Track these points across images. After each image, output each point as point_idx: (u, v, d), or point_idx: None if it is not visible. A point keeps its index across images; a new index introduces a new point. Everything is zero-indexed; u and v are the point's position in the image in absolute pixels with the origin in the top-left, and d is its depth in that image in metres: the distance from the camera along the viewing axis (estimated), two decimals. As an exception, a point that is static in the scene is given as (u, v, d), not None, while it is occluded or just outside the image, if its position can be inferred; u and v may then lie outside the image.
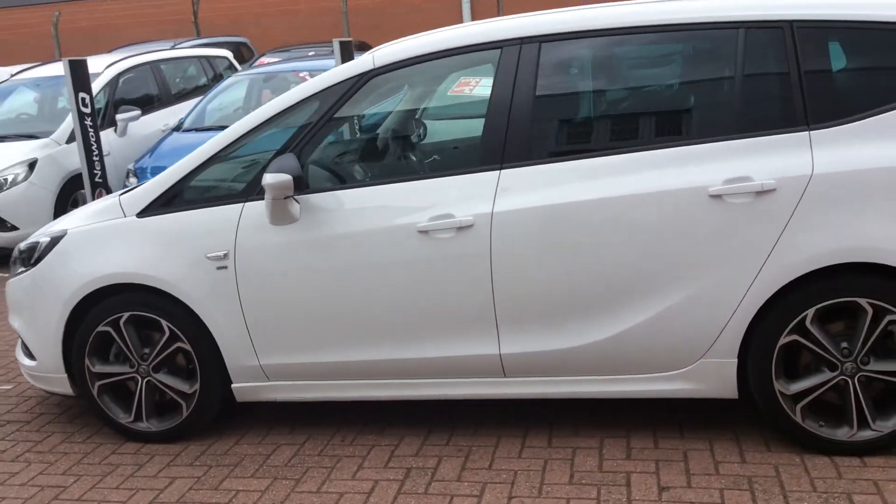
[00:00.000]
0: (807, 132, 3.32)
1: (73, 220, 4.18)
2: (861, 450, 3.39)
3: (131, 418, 4.03)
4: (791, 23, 3.38)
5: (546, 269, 3.49)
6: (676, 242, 3.37)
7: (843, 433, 3.40)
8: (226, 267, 3.78)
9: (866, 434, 3.38)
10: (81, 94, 7.57)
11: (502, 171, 3.54)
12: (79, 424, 4.28)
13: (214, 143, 3.91)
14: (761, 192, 3.29)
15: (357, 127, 3.95)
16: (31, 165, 8.08)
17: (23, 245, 4.25)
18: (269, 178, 3.54)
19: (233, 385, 3.91)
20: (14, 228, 7.88)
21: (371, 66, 3.74)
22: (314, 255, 3.69)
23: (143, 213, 3.94)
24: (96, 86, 8.61)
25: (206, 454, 3.88)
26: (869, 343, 3.30)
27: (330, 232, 3.67)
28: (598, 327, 3.49)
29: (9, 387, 4.89)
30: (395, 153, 4.23)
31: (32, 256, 4.14)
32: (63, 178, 8.24)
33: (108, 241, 3.98)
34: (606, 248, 3.43)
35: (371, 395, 3.82)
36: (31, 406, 4.58)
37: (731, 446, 3.54)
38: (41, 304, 4.08)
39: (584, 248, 3.45)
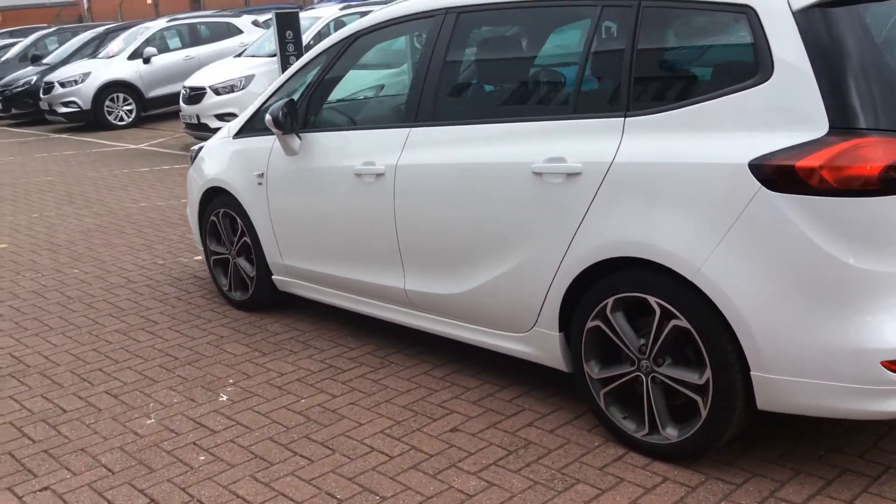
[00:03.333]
0: (622, 118, 3.20)
1: (216, 134, 5.55)
2: (651, 452, 3.28)
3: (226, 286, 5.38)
4: (640, 0, 3.22)
5: (427, 220, 3.90)
6: (510, 212, 3.54)
7: (638, 431, 3.32)
8: (261, 183, 4.83)
9: (655, 438, 3.26)
10: (288, 31, 10.05)
11: (412, 128, 3.98)
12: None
13: (275, 83, 4.91)
14: (571, 175, 3.30)
15: (343, 81, 4.59)
16: (250, 78, 11.54)
17: (194, 147, 5.77)
18: (266, 117, 4.47)
19: (273, 277, 5.00)
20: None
21: (359, 28, 4.38)
22: (301, 182, 4.56)
23: (236, 136, 5.14)
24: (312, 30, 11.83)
25: (250, 324, 5.06)
26: (658, 344, 3.17)
27: (308, 165, 4.49)
28: (461, 279, 3.82)
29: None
30: (358, 105, 4.76)
31: (194, 159, 5.63)
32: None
33: (215, 154, 5.29)
34: (463, 208, 3.72)
35: (347, 306, 4.59)
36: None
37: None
38: (190, 199, 5.59)
39: (450, 206, 3.78)
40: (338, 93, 4.59)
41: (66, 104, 15.68)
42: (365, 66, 4.55)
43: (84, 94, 15.50)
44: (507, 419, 3.65)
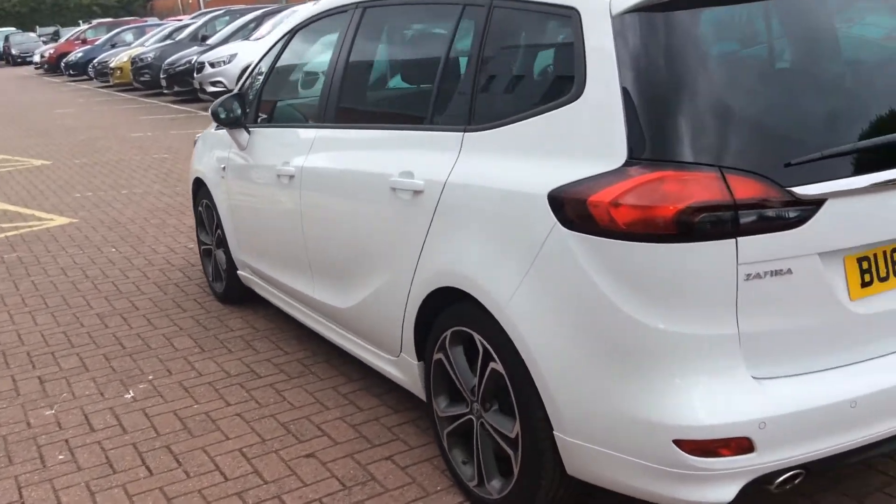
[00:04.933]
0: (462, 133, 2.84)
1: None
2: (483, 506, 2.92)
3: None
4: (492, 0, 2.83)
5: (322, 227, 3.68)
6: (375, 227, 3.26)
7: (471, 480, 2.97)
8: (224, 177, 4.76)
9: (482, 490, 2.90)
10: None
11: (319, 129, 3.75)
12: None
13: (245, 75, 4.81)
14: (416, 192, 2.98)
15: (284, 76, 4.38)
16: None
17: (196, 136, 5.78)
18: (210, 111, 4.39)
19: (237, 271, 4.92)
20: None
21: (297, 23, 4.18)
22: (245, 178, 4.44)
23: (217, 126, 5.09)
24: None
25: (216, 317, 5.02)
26: (482, 387, 2.80)
27: (250, 161, 4.36)
28: (348, 293, 3.57)
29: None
30: (292, 102, 4.49)
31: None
32: None
33: (201, 144, 5.27)
34: (345, 219, 3.47)
35: (283, 308, 4.43)
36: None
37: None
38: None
39: (336, 215, 3.54)
40: (278, 88, 4.43)
41: (213, 83, 16.41)
42: (307, 62, 4.35)
43: (230, 74, 16.15)
44: (371, 448, 3.38)
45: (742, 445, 2.24)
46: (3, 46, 47.54)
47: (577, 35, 2.44)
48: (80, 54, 29.88)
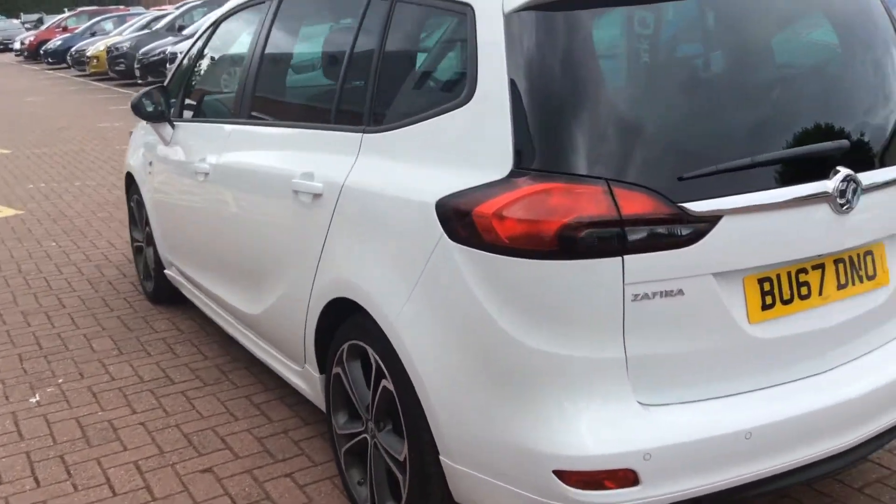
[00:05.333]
0: (361, 134, 2.68)
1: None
2: (376, 531, 2.77)
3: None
4: (396, -8, 2.68)
5: (229, 228, 3.52)
6: (277, 231, 3.10)
7: (365, 502, 2.81)
8: (151, 172, 4.58)
9: (376, 515, 2.75)
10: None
11: (234, 126, 3.59)
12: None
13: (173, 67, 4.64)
14: (315, 195, 2.82)
15: (208, 69, 4.22)
16: None
17: (132, 131, 5.60)
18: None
19: (164, 270, 4.75)
20: None
21: (220, 14, 4.01)
22: (167, 174, 4.27)
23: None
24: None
25: (142, 318, 4.85)
26: (375, 405, 2.65)
27: (172, 156, 4.19)
28: (256, 299, 3.41)
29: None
30: (213, 96, 4.33)
31: (131, 140, 5.47)
32: None
33: (133, 139, 5.11)
34: (250, 220, 3.31)
35: (205, 311, 4.27)
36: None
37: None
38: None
39: (242, 217, 3.38)
40: (202, 81, 4.26)
41: (186, 75, 16.21)
42: (228, 54, 4.18)
43: (202, 65, 15.95)
44: (273, 464, 3.22)
45: (626, 477, 2.09)
46: (-15, 33, 47.04)
47: (471, 34, 2.28)
48: (59, 42, 29.55)
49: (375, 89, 2.65)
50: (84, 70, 24.42)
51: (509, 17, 2.18)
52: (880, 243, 2.46)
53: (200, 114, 4.15)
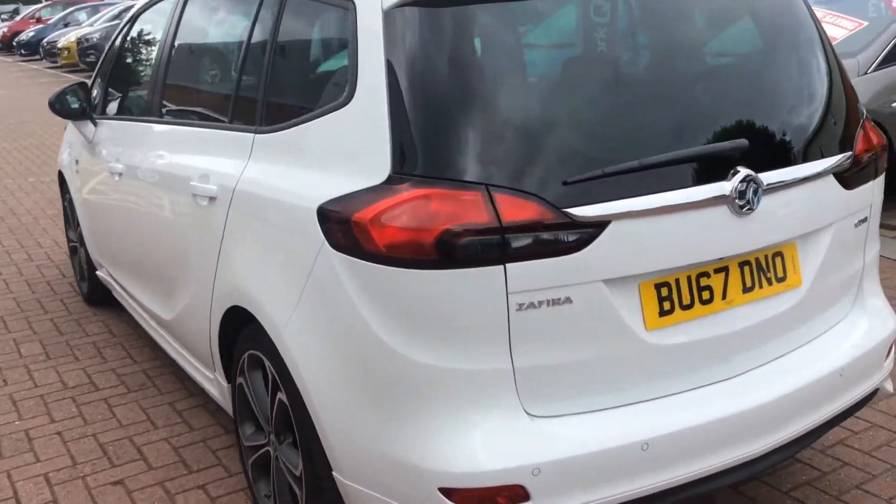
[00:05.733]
0: (253, 135, 2.58)
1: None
2: (282, 544, 2.67)
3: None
4: (288, -15, 2.56)
5: (141, 231, 3.42)
6: (180, 234, 3.00)
7: (271, 515, 2.73)
8: (78, 171, 4.46)
9: (278, 528, 2.65)
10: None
11: (145, 124, 3.48)
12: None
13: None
14: (211, 198, 2.72)
15: (128, 64, 4.10)
16: None
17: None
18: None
19: (96, 272, 4.63)
20: None
21: (139, 6, 3.89)
22: (89, 173, 4.15)
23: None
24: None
25: (76, 321, 4.71)
26: (274, 417, 2.55)
27: (91, 155, 4.07)
28: (167, 305, 3.31)
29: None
30: (131, 93, 4.22)
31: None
32: None
33: (65, 138, 4.96)
34: (156, 224, 3.21)
35: (131, 312, 4.15)
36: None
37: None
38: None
39: (148, 219, 3.28)
40: (120, 77, 4.12)
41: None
42: (143, 49, 4.04)
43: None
44: (187, 475, 3.12)
45: (516, 494, 2.01)
46: (-40, 24, 46.44)
47: (352, 31, 2.18)
48: (31, 33, 29.16)
49: (266, 88, 2.54)
50: (56, 62, 24.10)
51: (389, 13, 2.08)
52: (791, 244, 2.37)
53: (119, 111, 4.02)
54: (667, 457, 2.12)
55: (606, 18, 2.23)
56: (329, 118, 2.21)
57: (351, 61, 2.16)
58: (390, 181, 2.00)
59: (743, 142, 2.17)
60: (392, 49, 2.05)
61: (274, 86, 2.52)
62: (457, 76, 2.00)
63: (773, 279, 2.33)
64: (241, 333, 2.67)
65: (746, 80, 2.30)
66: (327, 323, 2.15)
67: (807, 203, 2.33)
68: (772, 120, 2.29)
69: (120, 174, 3.56)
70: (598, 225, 1.99)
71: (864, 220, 2.55)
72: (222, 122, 2.80)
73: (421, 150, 1.99)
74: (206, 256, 2.77)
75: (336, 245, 2.08)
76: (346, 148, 2.14)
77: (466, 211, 1.92)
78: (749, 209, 2.16)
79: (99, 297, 4.78)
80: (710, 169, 2.14)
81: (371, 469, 2.13)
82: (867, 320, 2.60)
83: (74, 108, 4.02)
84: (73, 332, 4.54)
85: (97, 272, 4.59)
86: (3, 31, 34.39)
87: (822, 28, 2.57)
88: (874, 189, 2.56)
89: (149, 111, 3.41)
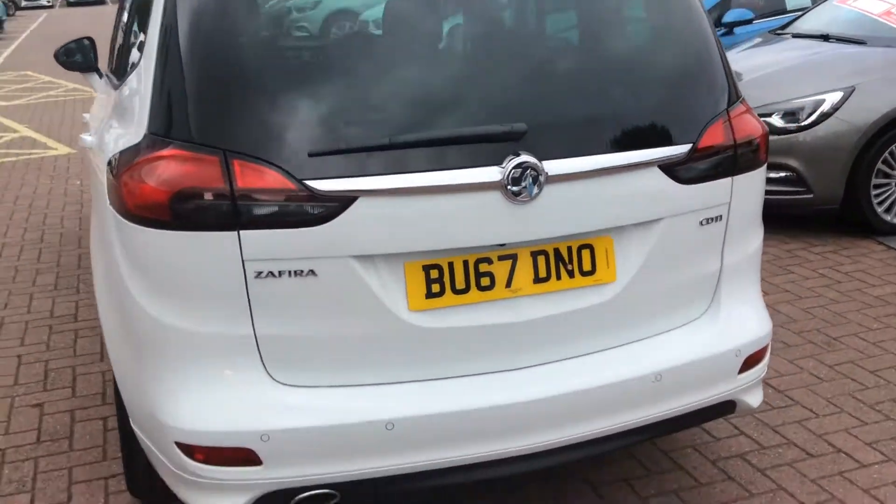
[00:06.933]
0: (116, 89, 2.71)
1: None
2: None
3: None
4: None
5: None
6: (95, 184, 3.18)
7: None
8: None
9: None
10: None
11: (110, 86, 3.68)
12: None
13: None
14: (91, 149, 2.87)
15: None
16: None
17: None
18: None
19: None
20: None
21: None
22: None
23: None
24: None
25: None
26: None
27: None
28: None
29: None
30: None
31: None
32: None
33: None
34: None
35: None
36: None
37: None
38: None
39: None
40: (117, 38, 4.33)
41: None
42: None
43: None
44: (99, 406, 3.34)
45: (247, 457, 2.05)
46: None
47: None
48: None
49: (120, 48, 2.67)
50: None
51: (174, -19, 2.13)
52: (605, 237, 2.24)
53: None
54: (416, 440, 2.09)
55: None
56: (131, 77, 2.31)
57: (151, 20, 2.23)
58: (143, 141, 2.06)
59: (521, 126, 2.07)
60: (169, 16, 2.11)
61: (123, 46, 2.63)
62: (213, 45, 2.04)
63: (577, 272, 2.22)
64: None
65: (552, 63, 2.19)
66: (110, 277, 2.26)
67: (620, 196, 2.20)
68: (572, 107, 2.17)
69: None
70: (343, 200, 1.98)
71: (717, 218, 2.36)
72: (118, 78, 2.95)
73: (172, 112, 2.04)
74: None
75: (110, 202, 2.17)
76: (131, 106, 2.24)
77: (200, 174, 1.96)
78: (525, 196, 2.06)
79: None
80: (486, 153, 2.06)
81: (142, 419, 2.23)
82: (718, 328, 2.42)
83: (78, 60, 4.24)
84: (89, 266, 4.88)
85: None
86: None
87: (689, 4, 2.36)
88: (734, 186, 2.36)
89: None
